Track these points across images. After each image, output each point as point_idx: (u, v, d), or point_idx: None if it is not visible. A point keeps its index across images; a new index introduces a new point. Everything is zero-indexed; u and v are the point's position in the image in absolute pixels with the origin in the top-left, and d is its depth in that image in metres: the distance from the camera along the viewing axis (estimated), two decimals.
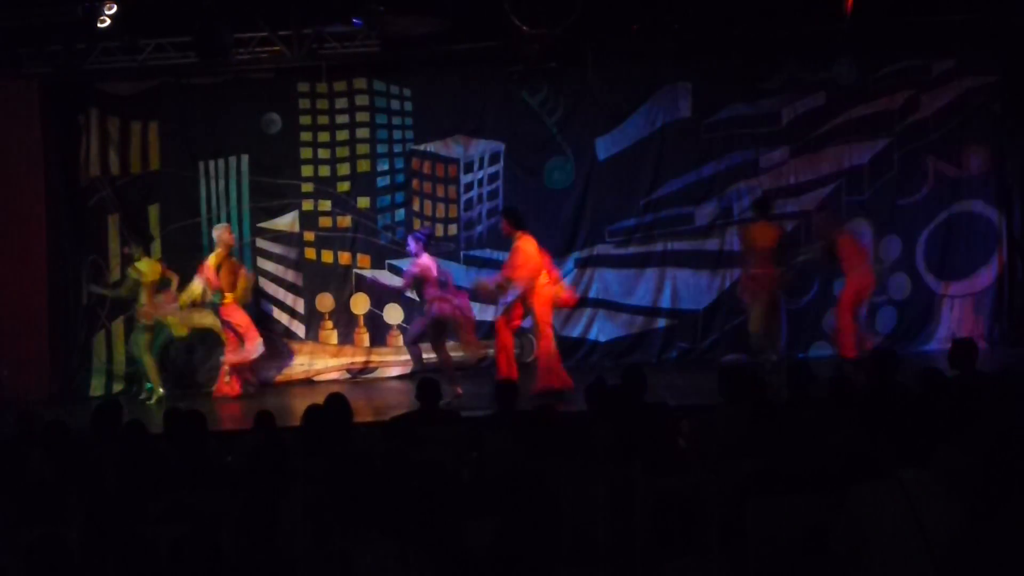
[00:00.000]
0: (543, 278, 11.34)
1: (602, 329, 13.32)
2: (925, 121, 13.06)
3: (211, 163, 13.28)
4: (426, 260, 11.47)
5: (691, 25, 12.16)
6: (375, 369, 13.25)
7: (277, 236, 13.28)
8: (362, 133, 13.34)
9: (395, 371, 13.06)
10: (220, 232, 12.32)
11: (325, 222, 13.33)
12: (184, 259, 13.11)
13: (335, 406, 7.45)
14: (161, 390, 12.39)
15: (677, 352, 13.27)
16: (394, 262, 12.91)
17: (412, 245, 11.59)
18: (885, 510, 4.65)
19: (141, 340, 12.44)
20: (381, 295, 13.14)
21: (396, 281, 12.34)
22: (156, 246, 13.17)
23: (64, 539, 4.90)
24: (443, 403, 8.64)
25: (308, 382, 13.12)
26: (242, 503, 5.70)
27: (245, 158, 13.29)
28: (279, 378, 13.16)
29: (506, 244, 12.54)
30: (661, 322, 13.29)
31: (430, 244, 11.96)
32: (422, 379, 8.69)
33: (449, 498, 5.15)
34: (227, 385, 12.29)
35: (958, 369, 8.00)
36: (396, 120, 13.33)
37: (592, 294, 13.29)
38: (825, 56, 13.03)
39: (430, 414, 8.02)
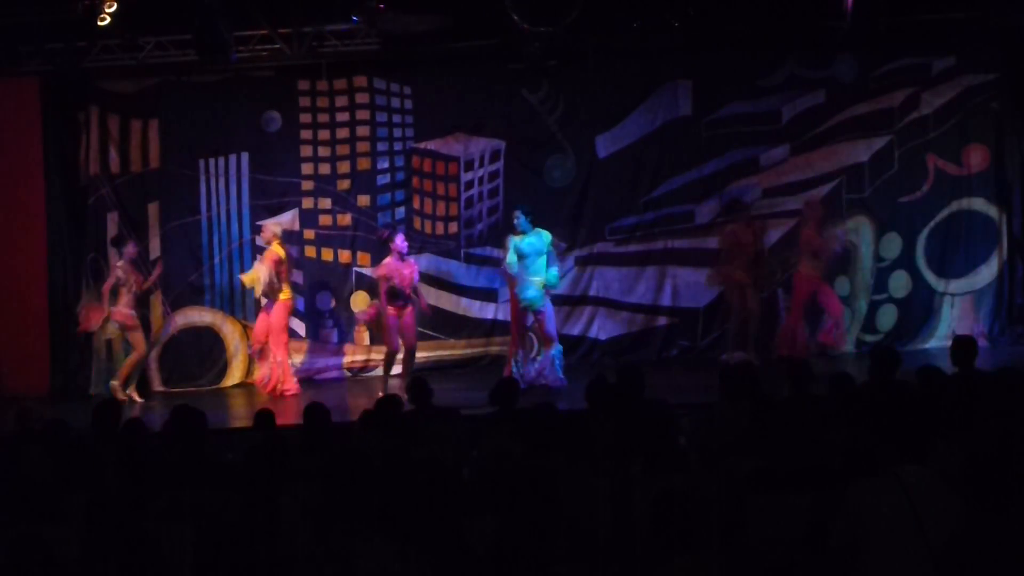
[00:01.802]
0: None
1: (602, 327, 13.31)
2: (925, 119, 13.06)
3: (211, 161, 13.28)
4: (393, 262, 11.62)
5: (691, 23, 12.15)
6: (375, 368, 13.23)
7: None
8: (362, 131, 13.34)
9: (395, 369, 13.02)
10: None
11: (325, 220, 13.33)
12: (183, 257, 13.12)
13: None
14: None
15: (677, 350, 13.27)
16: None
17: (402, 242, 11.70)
18: (884, 506, 4.66)
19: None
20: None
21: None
22: (155, 244, 13.16)
23: (44, 539, 4.88)
24: None
25: (307, 380, 13.10)
26: (242, 501, 5.71)
27: (245, 156, 13.28)
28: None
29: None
30: (661, 320, 13.29)
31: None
32: (411, 380, 8.68)
33: (449, 496, 5.14)
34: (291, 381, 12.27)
35: (958, 366, 7.99)
36: (396, 118, 13.33)
37: (592, 292, 13.29)
38: (825, 54, 13.03)
39: (425, 413, 8.01)
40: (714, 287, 12.77)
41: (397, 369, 12.45)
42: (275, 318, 12.16)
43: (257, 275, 12.13)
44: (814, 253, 12.17)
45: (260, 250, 13.04)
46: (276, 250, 12.11)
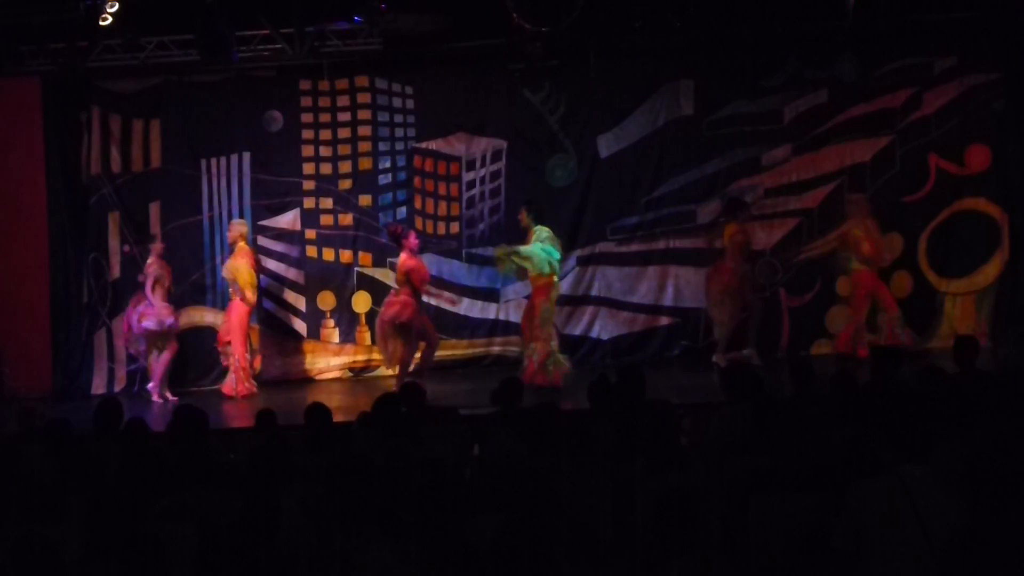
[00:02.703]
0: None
1: (604, 327, 13.30)
2: (927, 119, 13.05)
3: (213, 161, 13.29)
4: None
5: (693, 23, 12.15)
6: (377, 368, 13.23)
7: (278, 234, 13.28)
8: (364, 131, 13.35)
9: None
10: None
11: (326, 220, 13.33)
12: (185, 257, 13.12)
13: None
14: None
15: (679, 350, 13.25)
16: (396, 260, 12.85)
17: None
18: (885, 506, 4.66)
19: None
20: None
21: None
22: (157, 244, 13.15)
23: (48, 538, 4.88)
24: None
25: (309, 380, 13.12)
26: (244, 502, 5.70)
27: (247, 156, 13.29)
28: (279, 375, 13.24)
29: (507, 242, 12.61)
30: (663, 320, 13.28)
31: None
32: (403, 384, 8.66)
33: (451, 496, 5.14)
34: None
35: (960, 367, 7.99)
36: (398, 118, 13.33)
37: (594, 292, 13.28)
38: (827, 54, 13.03)
39: (419, 416, 8.00)
40: (715, 298, 12.65)
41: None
42: (237, 318, 12.26)
43: (239, 266, 12.17)
44: (865, 251, 12.18)
45: (261, 249, 13.08)
46: (247, 247, 12.28)
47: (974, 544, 4.39)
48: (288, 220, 13.27)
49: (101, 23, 11.58)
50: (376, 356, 13.19)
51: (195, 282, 13.22)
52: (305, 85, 13.28)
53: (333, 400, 10.82)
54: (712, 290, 12.44)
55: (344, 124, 13.35)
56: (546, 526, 4.85)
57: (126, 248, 13.08)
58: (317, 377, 13.26)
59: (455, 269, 13.29)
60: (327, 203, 13.34)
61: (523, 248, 11.53)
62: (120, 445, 7.14)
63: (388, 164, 13.37)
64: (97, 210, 13.22)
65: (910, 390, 7.16)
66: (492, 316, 13.33)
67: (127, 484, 6.34)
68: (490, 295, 13.30)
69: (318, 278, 13.32)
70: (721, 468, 6.36)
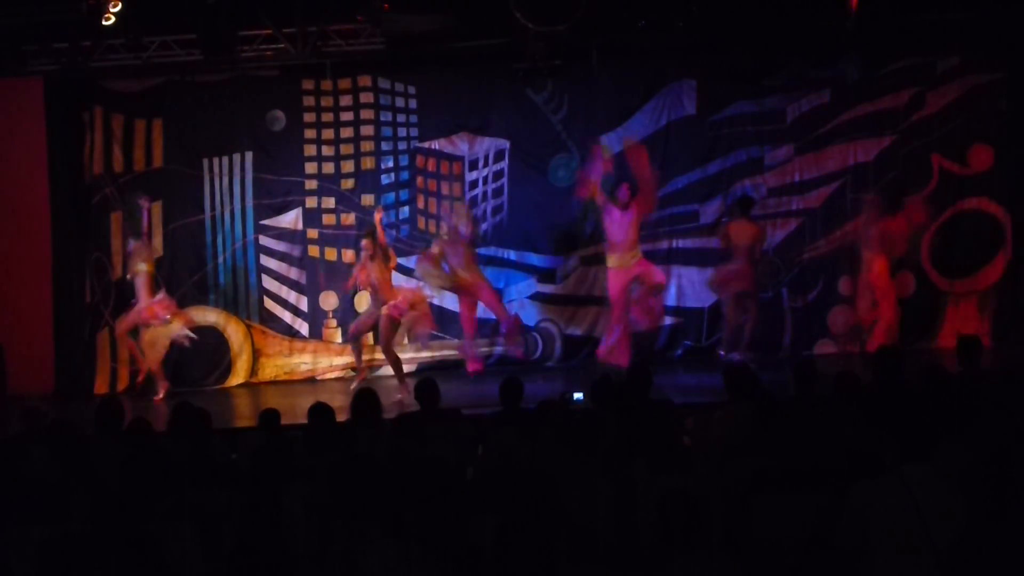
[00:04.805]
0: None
1: (607, 327, 13.27)
2: (930, 119, 13.04)
3: (215, 160, 13.29)
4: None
5: (696, 23, 12.14)
6: (380, 367, 13.22)
7: (280, 233, 13.28)
8: (366, 130, 13.35)
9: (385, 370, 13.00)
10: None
11: (329, 219, 13.33)
12: (187, 256, 13.12)
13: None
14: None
15: (682, 350, 13.25)
16: (399, 260, 12.85)
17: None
18: (888, 506, 4.65)
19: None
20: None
21: None
22: (159, 243, 13.14)
23: (74, 538, 4.90)
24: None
25: (311, 380, 13.13)
26: (246, 501, 5.71)
27: (249, 155, 13.29)
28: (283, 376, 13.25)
29: (510, 242, 12.62)
30: (666, 320, 13.26)
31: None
32: (420, 380, 8.66)
33: (453, 496, 5.15)
34: None
35: (963, 366, 7.99)
36: (400, 117, 13.33)
37: (597, 292, 13.26)
38: (830, 54, 13.02)
39: (431, 414, 8.00)
40: (715, 292, 12.74)
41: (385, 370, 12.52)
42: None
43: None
44: (892, 245, 12.19)
45: (263, 249, 13.06)
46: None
47: (976, 544, 4.39)
48: (290, 219, 13.28)
49: (104, 23, 11.56)
50: (378, 356, 13.16)
51: (197, 281, 13.22)
52: (308, 85, 13.29)
53: (336, 400, 10.81)
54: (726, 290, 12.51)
55: (347, 124, 13.35)
56: (548, 526, 4.85)
57: (128, 247, 13.08)
58: (319, 377, 13.26)
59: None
60: (329, 202, 13.34)
61: None
62: (122, 445, 7.14)
63: (391, 164, 13.37)
64: (99, 210, 13.23)
65: (913, 390, 7.16)
66: (495, 315, 13.32)
67: (130, 484, 6.35)
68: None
69: (320, 278, 13.32)
70: (723, 468, 6.36)
